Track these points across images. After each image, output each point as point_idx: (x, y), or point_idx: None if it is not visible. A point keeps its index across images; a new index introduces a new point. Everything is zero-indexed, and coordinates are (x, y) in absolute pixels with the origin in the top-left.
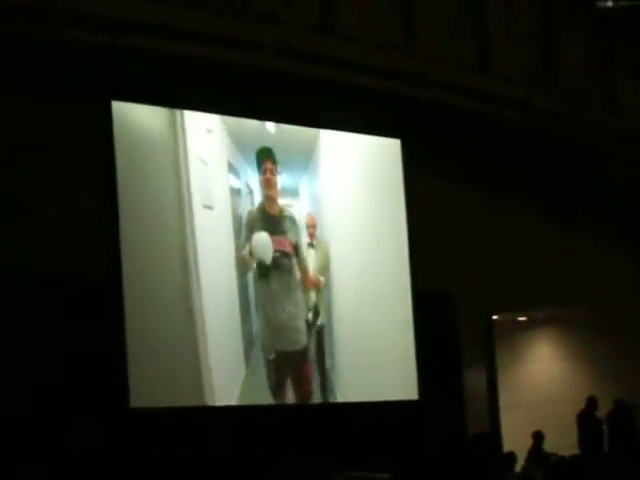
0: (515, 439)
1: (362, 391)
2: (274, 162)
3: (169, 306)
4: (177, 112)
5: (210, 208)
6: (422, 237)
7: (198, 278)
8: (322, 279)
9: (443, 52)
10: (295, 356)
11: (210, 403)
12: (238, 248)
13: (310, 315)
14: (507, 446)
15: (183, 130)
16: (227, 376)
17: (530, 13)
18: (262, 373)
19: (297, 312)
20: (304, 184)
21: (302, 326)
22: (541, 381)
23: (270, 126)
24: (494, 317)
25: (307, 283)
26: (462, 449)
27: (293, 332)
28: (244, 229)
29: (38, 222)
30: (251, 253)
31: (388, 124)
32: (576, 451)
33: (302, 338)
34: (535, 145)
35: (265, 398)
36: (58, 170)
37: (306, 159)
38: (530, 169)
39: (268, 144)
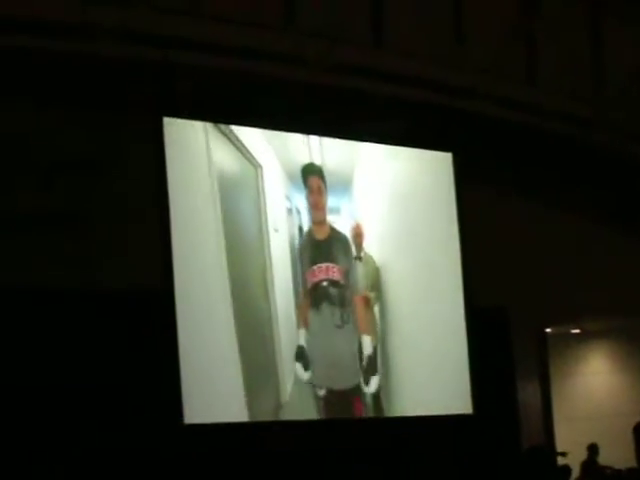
0: (570, 452)
1: (416, 406)
2: (322, 179)
3: (224, 322)
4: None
5: (276, 231)
6: (475, 250)
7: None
8: (372, 295)
9: (493, 65)
10: (346, 394)
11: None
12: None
13: (367, 352)
14: (561, 460)
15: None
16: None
17: (579, 22)
18: (311, 406)
19: (348, 348)
20: (346, 201)
21: (354, 363)
22: (596, 394)
23: (312, 141)
24: (547, 330)
25: (361, 317)
26: (516, 462)
27: (344, 370)
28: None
29: (92, 240)
30: None
31: (439, 137)
32: (632, 464)
33: (354, 376)
34: (588, 157)
35: None
36: (112, 187)
37: (349, 174)
38: (585, 180)
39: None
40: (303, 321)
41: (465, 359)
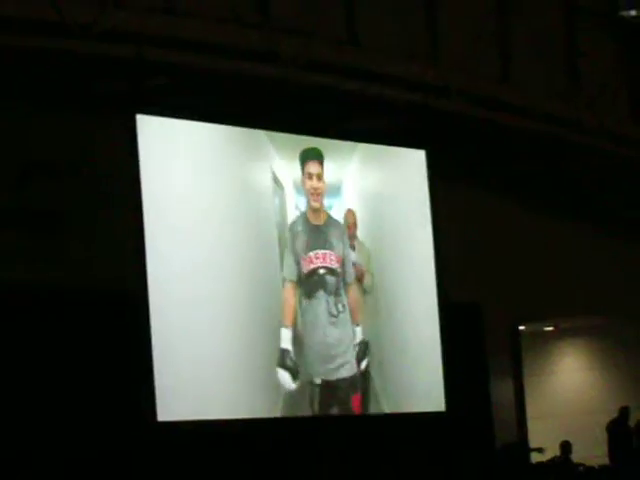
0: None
1: (390, 403)
2: (322, 165)
3: (200, 317)
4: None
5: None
6: (448, 247)
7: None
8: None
9: (467, 63)
10: (343, 386)
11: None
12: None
13: (358, 340)
14: (535, 457)
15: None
16: (266, 391)
17: (553, 23)
18: (304, 397)
19: (345, 338)
20: (347, 182)
21: (351, 353)
22: (568, 392)
23: None
24: (521, 327)
25: (354, 306)
26: (490, 460)
27: (341, 359)
28: (289, 243)
29: (68, 238)
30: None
31: (412, 135)
32: (604, 462)
33: (351, 367)
34: (562, 155)
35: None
36: (85, 186)
37: (349, 154)
38: (557, 179)
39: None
40: (289, 318)
41: (439, 357)
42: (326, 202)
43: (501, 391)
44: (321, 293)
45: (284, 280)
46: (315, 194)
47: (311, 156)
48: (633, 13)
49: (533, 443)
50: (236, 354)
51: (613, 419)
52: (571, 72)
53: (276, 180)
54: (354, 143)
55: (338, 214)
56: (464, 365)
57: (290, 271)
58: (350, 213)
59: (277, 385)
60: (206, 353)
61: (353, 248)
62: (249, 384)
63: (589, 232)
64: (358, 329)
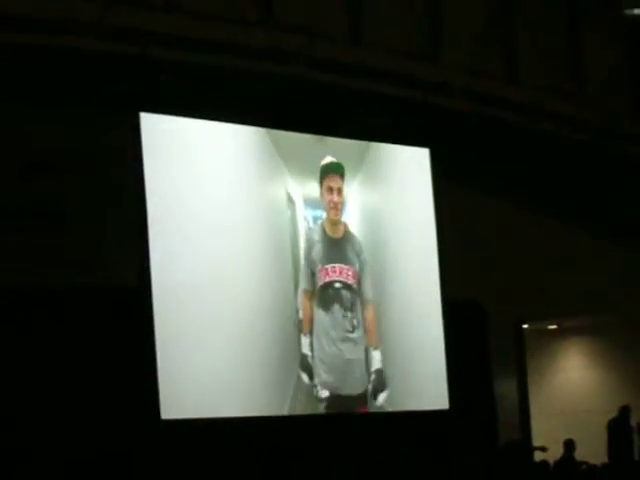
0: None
1: (393, 401)
2: (342, 178)
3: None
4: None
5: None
6: (452, 246)
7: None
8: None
9: (471, 62)
10: (352, 400)
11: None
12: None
13: (375, 367)
14: (539, 456)
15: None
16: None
17: (557, 21)
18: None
19: (357, 356)
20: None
21: (362, 371)
22: (572, 390)
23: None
24: (525, 326)
25: (370, 327)
26: (493, 458)
27: (352, 376)
28: (304, 253)
29: (71, 237)
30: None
31: (416, 133)
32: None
33: (362, 384)
34: (565, 154)
35: None
36: (91, 184)
37: (355, 168)
38: (559, 178)
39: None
40: (307, 325)
41: (442, 355)
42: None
43: (504, 389)
44: (336, 307)
45: (300, 288)
46: (335, 208)
47: (333, 170)
48: (637, 12)
49: (536, 441)
50: (241, 353)
51: (613, 418)
52: (574, 71)
53: (288, 194)
54: (360, 158)
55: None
56: (468, 363)
57: (306, 280)
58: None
59: (282, 384)
60: (210, 351)
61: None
62: (253, 383)
63: (592, 231)
64: (376, 354)
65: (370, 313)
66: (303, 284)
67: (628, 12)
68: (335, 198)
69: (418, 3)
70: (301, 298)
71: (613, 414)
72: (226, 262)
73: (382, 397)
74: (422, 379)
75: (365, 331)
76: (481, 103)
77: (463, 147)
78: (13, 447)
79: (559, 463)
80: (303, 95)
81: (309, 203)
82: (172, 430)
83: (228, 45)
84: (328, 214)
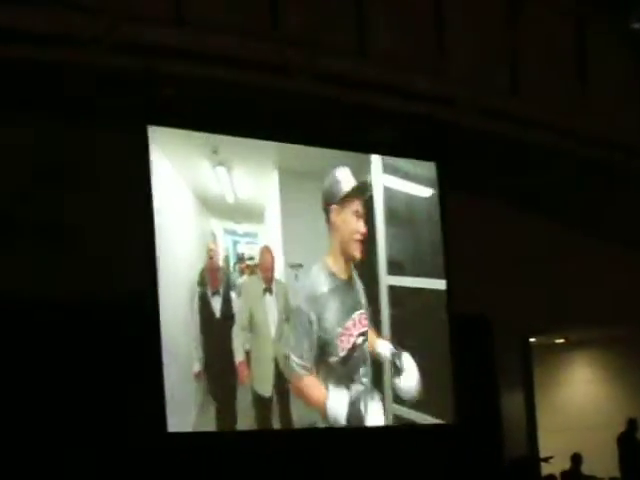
0: (554, 462)
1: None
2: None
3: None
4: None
5: None
6: (458, 259)
7: None
8: None
9: (476, 75)
10: None
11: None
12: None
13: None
14: (546, 469)
15: None
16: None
17: (563, 35)
18: None
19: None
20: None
21: None
22: (580, 404)
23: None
24: (531, 340)
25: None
26: (500, 474)
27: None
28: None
29: (76, 249)
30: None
31: (422, 147)
32: (615, 474)
33: None
34: (573, 167)
35: None
36: (98, 198)
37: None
38: (567, 191)
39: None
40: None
41: (448, 369)
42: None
43: (511, 404)
44: (362, 371)
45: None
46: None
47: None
48: None
49: (544, 456)
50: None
51: (622, 432)
52: (582, 84)
53: None
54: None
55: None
56: (474, 378)
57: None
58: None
59: None
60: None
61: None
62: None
63: (600, 244)
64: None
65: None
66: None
67: (636, 26)
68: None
69: (423, 17)
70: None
71: (621, 427)
72: None
73: None
74: (427, 393)
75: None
76: (486, 117)
77: (470, 161)
78: (17, 458)
79: (565, 477)
80: (307, 109)
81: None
82: (178, 443)
83: (233, 58)
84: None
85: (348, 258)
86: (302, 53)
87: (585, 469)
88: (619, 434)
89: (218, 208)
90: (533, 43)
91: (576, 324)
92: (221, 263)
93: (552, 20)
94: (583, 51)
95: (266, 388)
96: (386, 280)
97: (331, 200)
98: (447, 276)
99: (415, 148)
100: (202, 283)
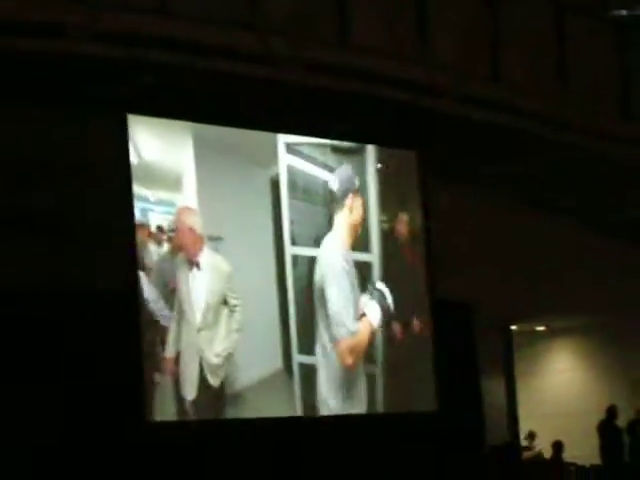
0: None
1: (380, 403)
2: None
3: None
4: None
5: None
6: (440, 247)
7: None
8: None
9: (457, 63)
10: None
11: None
12: None
13: None
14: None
15: None
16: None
17: (543, 22)
18: None
19: None
20: None
21: None
22: (560, 391)
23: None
24: (513, 327)
25: None
26: (481, 460)
27: None
28: None
29: (58, 239)
30: None
31: (403, 136)
32: (596, 461)
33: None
34: (553, 155)
35: None
36: (81, 186)
37: None
38: (548, 178)
39: None
40: None
41: (430, 356)
42: None
43: (492, 391)
44: None
45: None
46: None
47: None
48: (624, 12)
49: (525, 443)
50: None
51: (602, 419)
52: (561, 72)
53: None
54: None
55: None
56: (455, 364)
57: None
58: None
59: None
60: None
61: None
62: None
63: (580, 231)
64: None
65: None
66: None
67: (615, 13)
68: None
69: (405, 5)
70: None
71: (601, 414)
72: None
73: None
74: (409, 380)
75: None
76: (468, 104)
77: (451, 148)
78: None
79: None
80: (290, 97)
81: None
82: (158, 433)
83: (216, 48)
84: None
85: None
86: (286, 42)
87: (566, 456)
88: (599, 422)
89: None
90: (514, 30)
91: (557, 312)
92: None
93: (532, 7)
94: (563, 37)
95: None
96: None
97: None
98: (428, 263)
99: (396, 136)
100: None
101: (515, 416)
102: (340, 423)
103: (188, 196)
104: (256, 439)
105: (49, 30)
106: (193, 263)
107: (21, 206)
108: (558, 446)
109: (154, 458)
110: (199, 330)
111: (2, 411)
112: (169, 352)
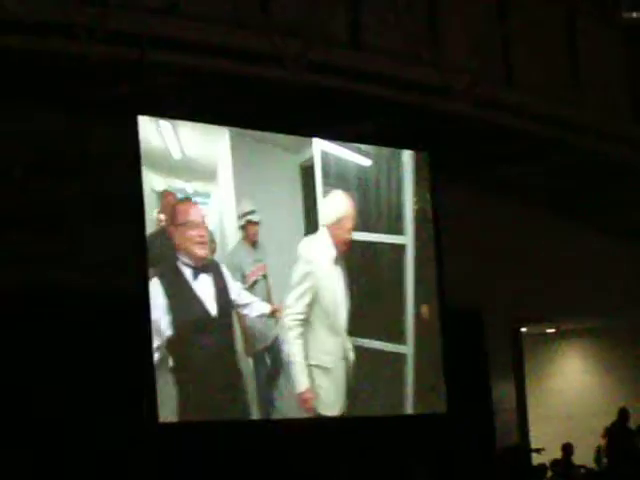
0: (545, 452)
1: (389, 405)
2: None
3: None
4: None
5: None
6: (449, 250)
7: None
8: None
9: (470, 65)
10: None
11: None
12: None
13: None
14: (536, 459)
15: None
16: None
17: (554, 24)
18: None
19: None
20: None
21: None
22: (570, 393)
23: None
24: (523, 329)
25: None
26: (491, 463)
27: None
28: None
29: (67, 239)
30: None
31: (414, 137)
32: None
33: None
34: (563, 157)
35: None
36: (90, 188)
37: None
38: (558, 180)
39: None
40: None
41: (439, 358)
42: None
43: (502, 393)
44: None
45: None
46: None
47: None
48: (635, 15)
49: (535, 445)
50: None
51: (613, 422)
52: (573, 74)
53: None
54: None
55: None
56: (465, 367)
57: None
58: None
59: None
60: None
61: None
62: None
63: (591, 233)
64: None
65: None
66: None
67: (627, 15)
68: None
69: (417, 7)
70: None
71: (612, 417)
72: None
73: None
74: (419, 382)
75: None
76: (481, 106)
77: (461, 150)
78: (9, 448)
79: (555, 466)
80: (301, 99)
81: None
82: (170, 433)
83: (226, 49)
84: None
85: None
86: (296, 44)
87: (576, 459)
88: (610, 424)
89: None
90: (525, 33)
91: (567, 314)
92: None
93: (543, 9)
94: (574, 40)
95: None
96: None
97: None
98: (438, 266)
99: (407, 138)
100: None
101: (525, 418)
102: (349, 424)
103: (223, 186)
104: (265, 440)
105: (58, 30)
106: None
107: (28, 207)
108: (568, 448)
109: (163, 460)
110: None
111: (3, 411)
112: None
